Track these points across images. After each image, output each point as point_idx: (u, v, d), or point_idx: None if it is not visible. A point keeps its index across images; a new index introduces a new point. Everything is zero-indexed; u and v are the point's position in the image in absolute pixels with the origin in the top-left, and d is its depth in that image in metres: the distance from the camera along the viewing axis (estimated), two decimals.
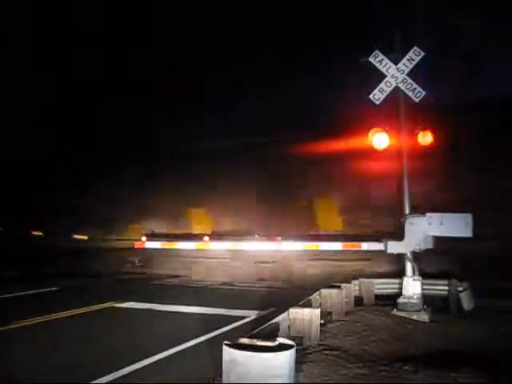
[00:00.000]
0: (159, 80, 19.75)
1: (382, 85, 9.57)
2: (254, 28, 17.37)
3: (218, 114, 19.79)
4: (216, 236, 17.79)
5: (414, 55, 9.40)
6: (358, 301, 9.92)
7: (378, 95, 9.58)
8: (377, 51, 9.60)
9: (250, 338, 4.70)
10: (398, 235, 9.47)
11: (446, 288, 10.01)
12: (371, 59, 9.62)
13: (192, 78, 19.32)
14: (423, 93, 9.33)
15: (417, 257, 9.50)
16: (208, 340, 7.52)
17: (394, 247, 9.47)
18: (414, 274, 9.40)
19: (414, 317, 8.92)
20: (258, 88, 19.09)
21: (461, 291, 9.89)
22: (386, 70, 9.54)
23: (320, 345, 6.77)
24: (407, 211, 9.45)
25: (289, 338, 5.49)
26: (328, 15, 17.29)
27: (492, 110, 14.98)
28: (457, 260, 13.33)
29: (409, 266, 9.46)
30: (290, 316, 6.79)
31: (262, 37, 17.43)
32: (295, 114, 18.25)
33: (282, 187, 19.30)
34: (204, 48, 19.23)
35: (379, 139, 9.73)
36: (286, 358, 4.32)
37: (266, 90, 18.92)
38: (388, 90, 9.54)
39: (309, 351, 6.46)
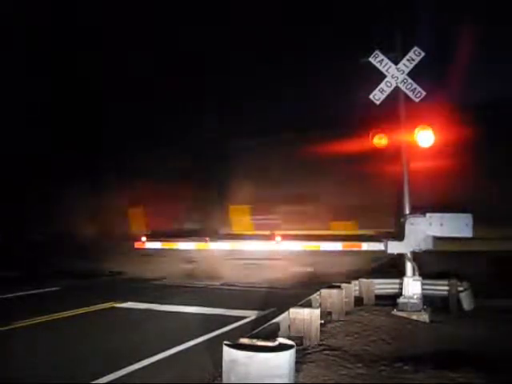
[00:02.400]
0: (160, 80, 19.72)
1: (382, 85, 9.57)
2: (253, 28, 17.35)
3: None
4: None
5: (415, 55, 9.40)
6: (358, 301, 9.93)
7: (378, 95, 9.59)
8: (377, 51, 9.61)
9: (250, 338, 4.70)
10: (399, 235, 9.49)
11: (446, 288, 10.01)
12: (371, 59, 9.62)
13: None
14: (423, 93, 9.33)
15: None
16: (208, 340, 7.51)
17: (394, 247, 9.48)
18: (414, 274, 9.40)
19: (414, 317, 8.92)
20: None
21: (461, 291, 9.89)
22: (386, 70, 9.54)
23: (320, 345, 6.78)
24: (407, 211, 9.46)
25: (289, 338, 5.49)
26: (328, 15, 17.27)
27: (493, 109, 14.94)
28: None
29: (409, 266, 9.46)
30: (290, 316, 6.80)
31: (261, 37, 17.40)
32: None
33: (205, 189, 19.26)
34: (203, 48, 19.20)
35: (381, 139, 9.77)
36: (286, 358, 4.32)
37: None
38: (388, 90, 9.54)
39: (309, 351, 6.47)
